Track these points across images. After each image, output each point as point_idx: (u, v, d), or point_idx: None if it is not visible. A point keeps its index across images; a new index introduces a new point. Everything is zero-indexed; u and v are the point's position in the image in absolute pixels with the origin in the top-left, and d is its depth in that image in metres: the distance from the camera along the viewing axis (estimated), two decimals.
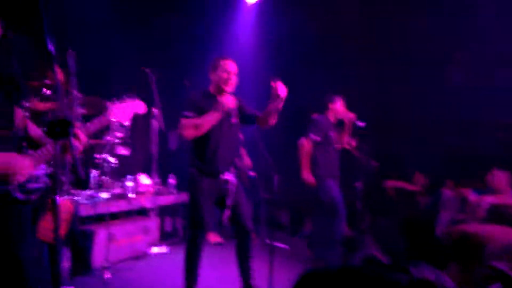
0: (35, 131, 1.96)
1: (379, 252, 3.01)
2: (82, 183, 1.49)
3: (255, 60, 5.90)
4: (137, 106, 2.07)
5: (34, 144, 1.99)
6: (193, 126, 2.72)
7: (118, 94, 4.41)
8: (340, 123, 4.57)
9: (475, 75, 5.43)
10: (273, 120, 2.86)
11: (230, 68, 2.87)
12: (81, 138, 1.85)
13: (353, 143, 4.82)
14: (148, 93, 4.38)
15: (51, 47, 1.47)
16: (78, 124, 2.05)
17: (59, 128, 1.48)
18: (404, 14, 5.43)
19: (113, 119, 1.98)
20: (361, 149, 4.98)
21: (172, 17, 5.86)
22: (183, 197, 4.97)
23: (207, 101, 2.82)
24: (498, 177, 3.84)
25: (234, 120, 2.94)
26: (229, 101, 2.78)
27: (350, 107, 4.88)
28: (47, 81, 3.53)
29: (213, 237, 4.95)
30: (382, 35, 5.70)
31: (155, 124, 4.58)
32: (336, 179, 4.54)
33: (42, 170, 1.87)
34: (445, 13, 5.34)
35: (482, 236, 2.89)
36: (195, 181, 2.83)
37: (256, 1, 5.87)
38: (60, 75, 4.36)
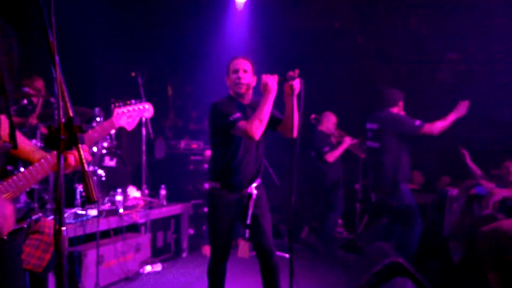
0: (24, 142, 1.62)
1: (404, 260, 2.81)
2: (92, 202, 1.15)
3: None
4: (145, 110, 1.77)
5: (19, 160, 1.64)
6: (258, 120, 2.40)
7: (104, 102, 4.09)
8: None
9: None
10: (295, 128, 2.53)
11: (237, 66, 2.57)
12: (83, 149, 1.53)
13: (357, 144, 4.65)
14: (135, 98, 4.05)
15: (52, 39, 1.15)
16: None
17: (64, 136, 1.16)
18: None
19: (118, 125, 1.67)
20: (363, 149, 4.80)
21: (159, 20, 5.52)
22: (175, 209, 4.65)
23: (233, 105, 2.55)
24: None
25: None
26: (270, 78, 2.45)
27: (340, 105, 4.71)
28: (26, 90, 3.12)
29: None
30: (374, 33, 5.61)
31: (143, 131, 4.24)
32: None
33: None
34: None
35: None
36: (215, 198, 2.55)
37: (245, 1, 5.62)
38: (40, 83, 3.95)
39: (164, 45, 5.56)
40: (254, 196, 2.56)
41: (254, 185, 2.60)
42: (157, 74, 5.22)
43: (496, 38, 4.96)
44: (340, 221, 5.40)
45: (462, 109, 3.77)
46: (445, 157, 5.17)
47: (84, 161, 1.18)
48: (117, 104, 1.70)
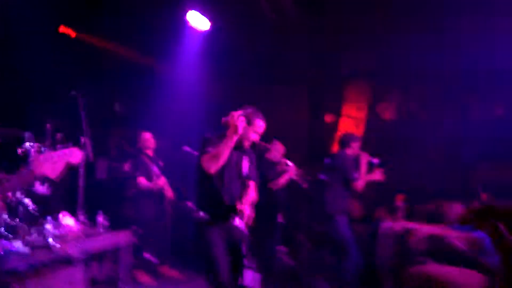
0: None
1: None
2: None
3: (203, 85, 5.63)
4: (72, 156, 1.63)
5: None
6: (211, 157, 2.63)
7: (39, 122, 3.79)
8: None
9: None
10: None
11: (261, 129, 2.86)
12: None
13: (301, 174, 4.72)
14: (75, 119, 3.82)
15: None
16: None
17: None
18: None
19: (39, 174, 1.52)
20: (306, 180, 4.89)
21: (113, 39, 5.31)
22: (114, 237, 4.38)
23: (217, 143, 2.76)
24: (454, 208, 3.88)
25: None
26: (241, 124, 2.66)
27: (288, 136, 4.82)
28: None
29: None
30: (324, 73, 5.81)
31: (83, 154, 3.98)
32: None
33: None
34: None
35: (445, 281, 2.84)
36: (204, 230, 2.68)
37: (208, 30, 5.61)
38: None
39: (112, 65, 5.35)
40: (243, 229, 2.70)
41: (238, 216, 2.73)
42: (105, 95, 4.98)
43: (436, 78, 5.28)
44: (284, 248, 5.39)
45: (376, 175, 4.40)
46: (384, 189, 5.36)
47: None
48: (41, 149, 1.55)
